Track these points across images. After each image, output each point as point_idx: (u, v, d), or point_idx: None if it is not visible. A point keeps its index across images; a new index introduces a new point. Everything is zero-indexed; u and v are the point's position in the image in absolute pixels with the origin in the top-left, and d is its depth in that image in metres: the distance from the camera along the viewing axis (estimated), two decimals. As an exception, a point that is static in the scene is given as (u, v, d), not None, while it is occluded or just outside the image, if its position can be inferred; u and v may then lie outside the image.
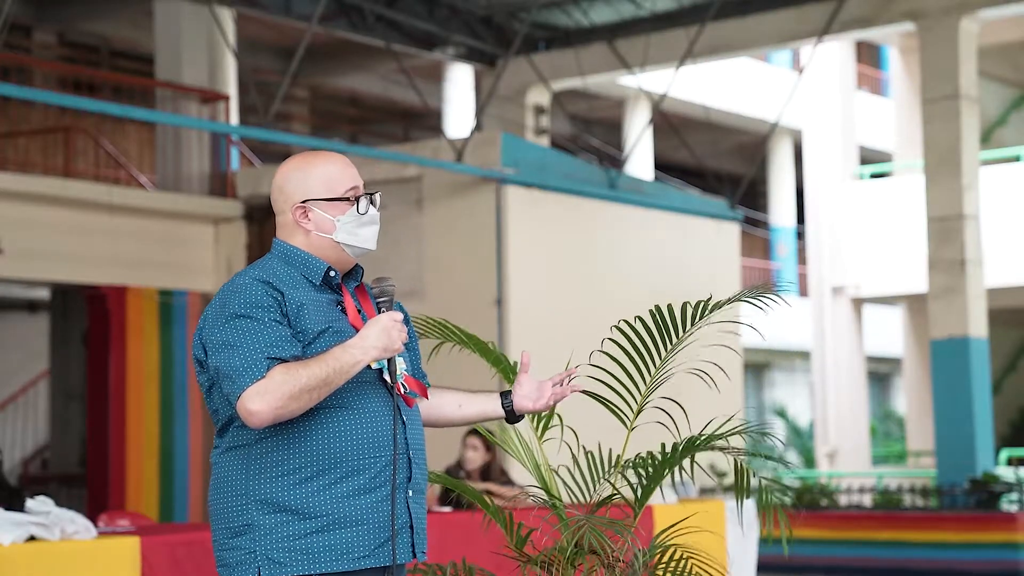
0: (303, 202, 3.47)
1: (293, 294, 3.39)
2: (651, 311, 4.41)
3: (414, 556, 3.45)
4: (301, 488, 3.33)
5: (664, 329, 4.43)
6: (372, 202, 3.53)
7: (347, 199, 3.48)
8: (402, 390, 3.47)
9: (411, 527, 3.43)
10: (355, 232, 3.49)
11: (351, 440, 3.35)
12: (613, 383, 4.50)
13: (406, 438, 3.44)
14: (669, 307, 4.41)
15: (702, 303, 4.39)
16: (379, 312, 3.46)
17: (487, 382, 4.84)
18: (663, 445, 4.50)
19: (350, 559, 3.33)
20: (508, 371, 4.61)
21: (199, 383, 3.46)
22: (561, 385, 3.72)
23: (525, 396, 3.70)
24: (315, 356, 3.30)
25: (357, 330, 3.42)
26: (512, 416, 3.72)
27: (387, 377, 3.43)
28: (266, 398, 3.24)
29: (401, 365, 3.50)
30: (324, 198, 3.47)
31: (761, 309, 4.32)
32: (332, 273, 3.48)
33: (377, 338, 3.34)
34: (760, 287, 4.38)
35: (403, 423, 3.45)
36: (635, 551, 4.25)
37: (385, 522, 3.37)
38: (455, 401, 3.72)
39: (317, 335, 3.37)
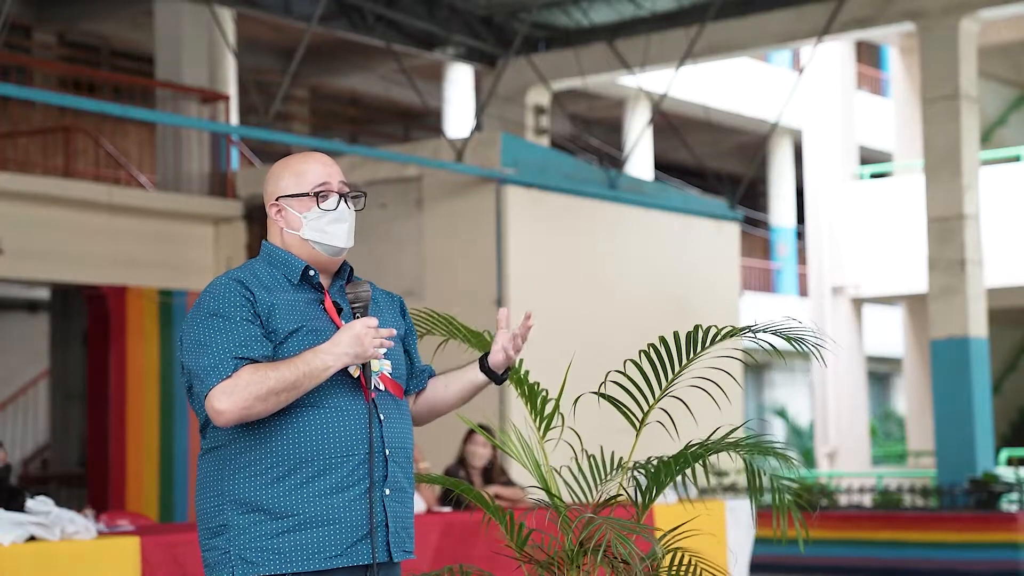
0: (276, 200, 3.52)
1: (265, 295, 3.40)
2: (690, 332, 4.40)
3: (389, 556, 3.42)
4: (273, 488, 3.34)
5: (689, 347, 4.43)
6: (347, 201, 3.53)
7: (311, 195, 3.50)
8: (373, 388, 3.45)
9: (386, 526, 3.42)
10: (323, 229, 3.49)
11: (322, 439, 3.35)
12: (629, 386, 4.50)
13: (382, 436, 3.43)
14: (696, 328, 4.40)
15: (728, 329, 4.38)
16: (354, 318, 3.45)
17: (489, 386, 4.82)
18: (674, 452, 4.50)
19: (321, 558, 3.33)
20: (512, 372, 4.61)
21: (183, 384, 3.47)
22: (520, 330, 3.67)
23: (498, 350, 3.64)
24: (286, 359, 3.31)
25: (337, 327, 3.43)
26: (494, 375, 3.66)
27: (356, 375, 3.42)
28: (232, 398, 3.25)
29: (384, 366, 3.49)
30: (292, 194, 3.50)
31: (795, 346, 4.31)
32: (311, 272, 3.49)
33: (349, 345, 3.34)
34: (789, 326, 4.36)
35: (379, 421, 3.44)
36: (654, 548, 4.24)
37: (358, 521, 3.36)
38: (442, 383, 3.70)
39: (288, 335, 3.37)
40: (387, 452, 3.43)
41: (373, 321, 3.38)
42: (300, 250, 3.50)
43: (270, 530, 3.32)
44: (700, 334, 4.41)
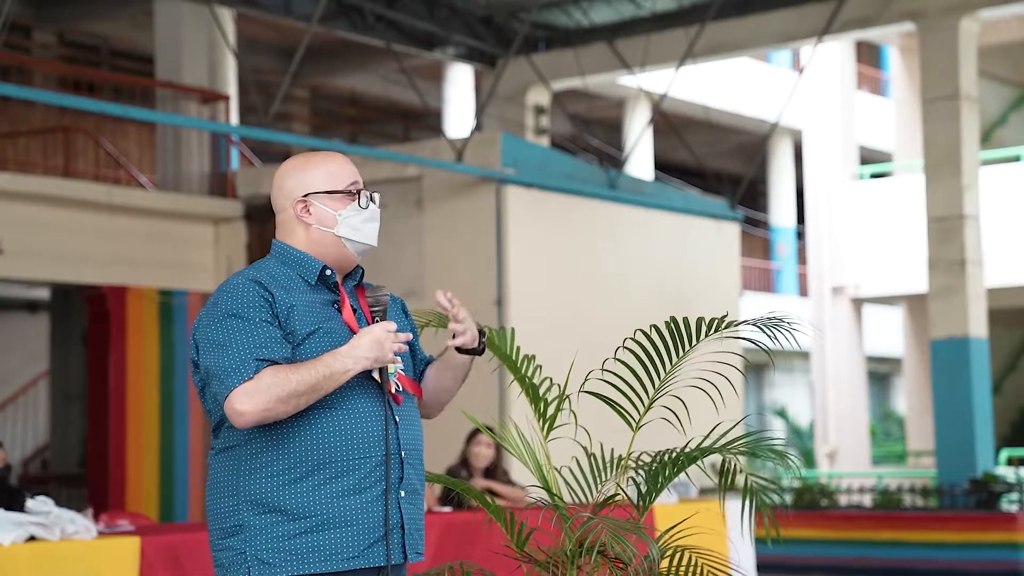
0: (304, 196, 3.48)
1: (284, 296, 3.39)
2: (667, 321, 4.40)
3: (404, 557, 3.43)
4: (291, 488, 3.33)
5: (677, 340, 4.43)
6: (372, 199, 3.54)
7: (348, 192, 3.50)
8: (393, 389, 3.46)
9: (402, 528, 3.42)
10: (357, 227, 3.49)
11: (340, 440, 3.35)
12: (621, 386, 4.50)
13: (398, 438, 3.44)
14: (685, 320, 4.40)
15: (717, 320, 4.38)
16: (373, 322, 3.46)
17: (487, 371, 4.84)
18: (671, 450, 4.50)
19: (338, 560, 3.33)
20: (515, 369, 4.62)
21: (194, 383, 3.47)
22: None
23: (459, 333, 3.59)
24: (306, 361, 3.31)
25: (351, 329, 3.43)
26: (471, 351, 3.60)
27: (377, 377, 3.43)
28: (254, 399, 3.24)
29: (396, 364, 3.50)
30: (325, 191, 3.48)
31: (772, 337, 4.31)
32: (328, 272, 3.48)
33: (368, 349, 3.34)
34: (776, 317, 4.37)
35: (395, 423, 3.44)
36: (650, 552, 4.24)
37: (375, 523, 3.36)
38: (435, 372, 3.67)
39: (306, 336, 3.37)
40: (403, 454, 3.44)
41: (392, 325, 3.39)
42: (329, 248, 3.48)
43: (287, 531, 3.32)
44: (685, 327, 4.41)
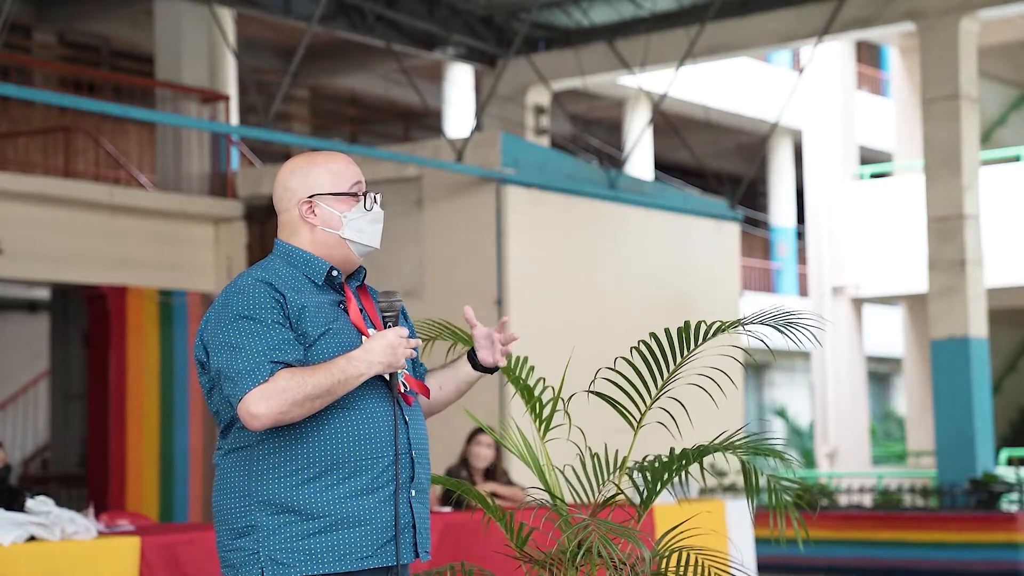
0: (310, 197, 3.48)
1: (295, 297, 3.39)
2: (680, 327, 4.40)
3: (416, 556, 3.46)
4: (304, 489, 3.33)
5: (684, 342, 4.42)
6: (375, 201, 3.55)
7: (354, 195, 3.50)
8: (402, 389, 3.48)
9: (413, 527, 3.44)
10: (362, 229, 3.50)
11: (353, 441, 3.36)
12: (624, 385, 4.50)
13: (408, 438, 3.45)
14: (699, 324, 4.40)
15: (717, 324, 4.37)
16: (386, 327, 3.47)
17: (488, 384, 4.84)
18: (672, 450, 4.49)
19: (353, 559, 3.34)
20: (509, 371, 4.61)
21: (200, 384, 3.47)
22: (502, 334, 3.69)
23: (482, 348, 3.68)
24: (320, 364, 3.31)
25: (358, 329, 3.44)
26: (485, 370, 3.69)
27: (387, 378, 3.44)
28: (270, 402, 3.24)
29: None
30: (331, 192, 3.48)
31: (791, 338, 4.29)
32: (335, 273, 3.48)
33: (382, 354, 3.36)
34: (780, 313, 4.36)
35: (405, 423, 3.46)
36: (642, 554, 4.23)
37: (387, 522, 3.38)
38: (435, 384, 3.72)
39: (317, 338, 3.37)
40: (413, 454, 3.46)
41: (404, 331, 3.41)
42: (333, 250, 3.48)
43: (301, 531, 3.32)
44: (692, 330, 4.41)
